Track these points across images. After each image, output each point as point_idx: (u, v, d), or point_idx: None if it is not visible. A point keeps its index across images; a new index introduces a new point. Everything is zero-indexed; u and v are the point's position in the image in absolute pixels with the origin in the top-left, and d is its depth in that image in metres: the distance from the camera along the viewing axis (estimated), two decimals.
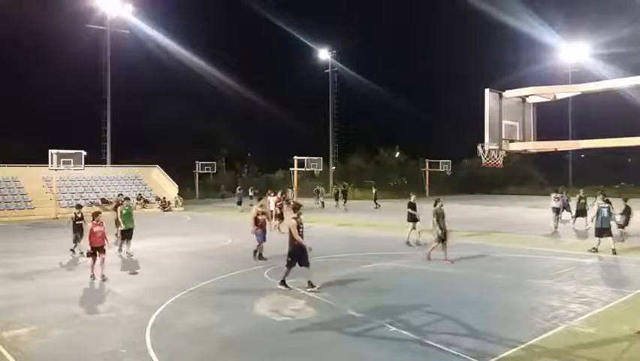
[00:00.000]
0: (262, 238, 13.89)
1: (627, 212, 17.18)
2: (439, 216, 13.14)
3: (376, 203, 33.57)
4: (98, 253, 11.74)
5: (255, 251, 13.88)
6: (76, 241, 15.24)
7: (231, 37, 76.80)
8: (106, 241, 11.96)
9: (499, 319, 8.39)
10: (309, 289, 10.14)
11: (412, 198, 16.70)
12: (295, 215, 10.53)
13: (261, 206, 14.42)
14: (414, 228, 16.23)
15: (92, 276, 11.69)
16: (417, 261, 13.49)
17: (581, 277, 11.56)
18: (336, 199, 35.75)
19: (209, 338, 7.69)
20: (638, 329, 7.47)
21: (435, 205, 13.46)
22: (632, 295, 9.69)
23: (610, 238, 14.12)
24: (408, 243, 16.11)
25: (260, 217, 13.95)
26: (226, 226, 23.39)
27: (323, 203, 35.46)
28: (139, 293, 10.50)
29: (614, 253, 13.93)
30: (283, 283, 10.42)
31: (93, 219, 11.99)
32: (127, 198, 17.06)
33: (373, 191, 36.10)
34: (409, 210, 16.43)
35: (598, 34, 46.16)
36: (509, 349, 6.93)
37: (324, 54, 51.76)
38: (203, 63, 53.15)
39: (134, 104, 49.18)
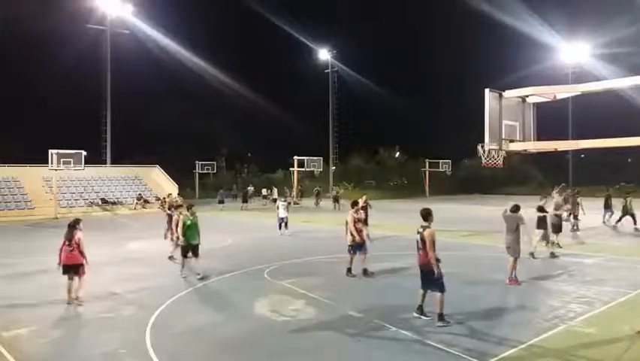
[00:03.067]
0: (357, 249, 11.71)
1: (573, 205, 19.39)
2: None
3: (317, 201, 36.27)
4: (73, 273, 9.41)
5: (349, 269, 11.78)
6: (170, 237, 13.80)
7: (231, 37, 77.02)
8: (84, 260, 9.45)
9: (499, 319, 8.39)
10: (438, 323, 7.95)
11: (543, 201, 13.83)
12: (427, 223, 8.31)
13: (356, 212, 11.98)
14: (546, 240, 13.74)
15: (70, 301, 9.46)
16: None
17: (581, 277, 11.56)
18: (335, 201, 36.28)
19: (209, 338, 7.69)
20: (638, 329, 7.47)
21: (509, 212, 11.25)
22: (632, 295, 9.69)
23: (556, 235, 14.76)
24: (532, 255, 13.43)
25: (357, 225, 11.74)
26: (226, 226, 23.38)
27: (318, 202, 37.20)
28: (139, 293, 10.50)
29: (558, 246, 14.66)
30: (441, 318, 7.98)
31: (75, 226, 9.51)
32: (191, 206, 12.75)
33: (315, 191, 38.15)
34: (539, 214, 13.81)
35: (598, 34, 46.18)
36: (509, 349, 6.93)
37: (324, 54, 51.69)
38: (203, 63, 53.31)
39: (134, 104, 49.33)
